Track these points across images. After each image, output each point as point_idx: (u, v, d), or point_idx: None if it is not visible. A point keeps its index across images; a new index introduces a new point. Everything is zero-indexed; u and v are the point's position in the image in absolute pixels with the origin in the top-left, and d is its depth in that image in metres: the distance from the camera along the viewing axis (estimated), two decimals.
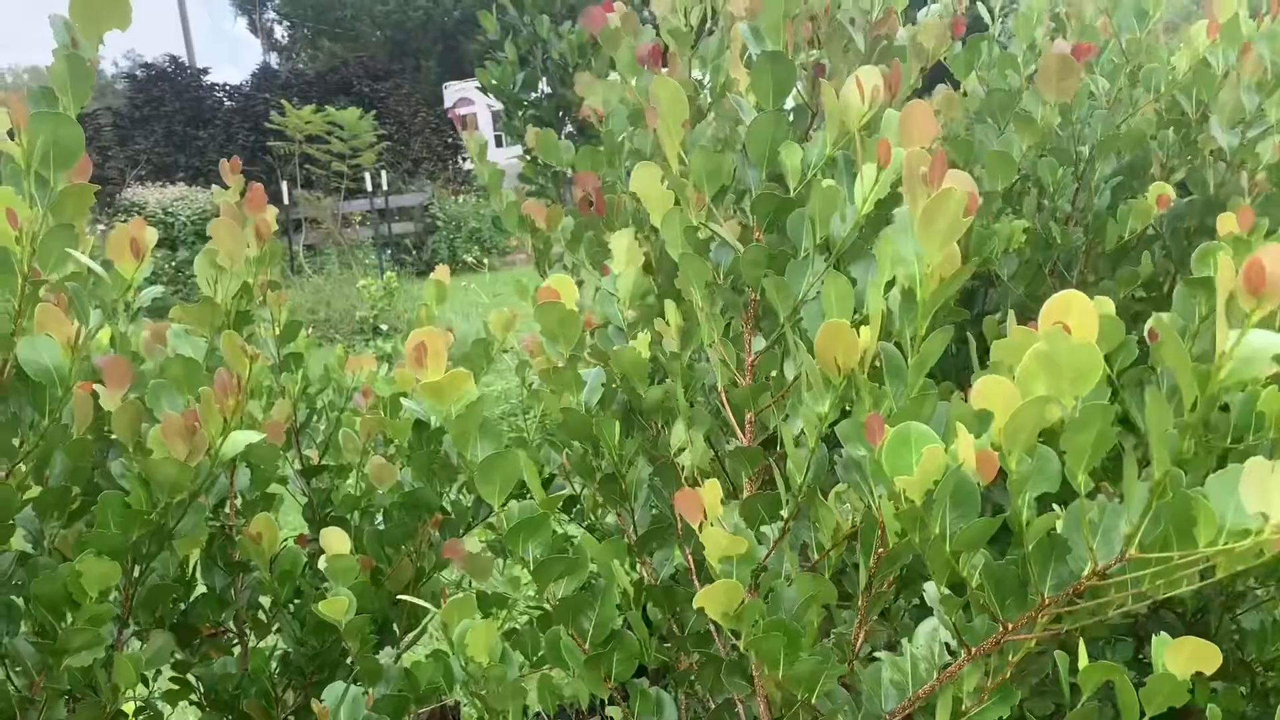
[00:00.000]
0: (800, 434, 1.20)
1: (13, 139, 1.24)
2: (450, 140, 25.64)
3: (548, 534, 1.33)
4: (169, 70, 24.16)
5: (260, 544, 2.06)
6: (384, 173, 19.21)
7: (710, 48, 1.70)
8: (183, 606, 2.11)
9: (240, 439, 1.50)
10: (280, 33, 48.14)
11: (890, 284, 1.12)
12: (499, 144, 37.03)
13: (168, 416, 1.45)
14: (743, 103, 1.31)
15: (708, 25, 1.79)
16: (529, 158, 8.21)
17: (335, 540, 1.78)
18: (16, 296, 1.30)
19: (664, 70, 1.84)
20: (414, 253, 19.70)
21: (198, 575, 2.18)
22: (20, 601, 1.57)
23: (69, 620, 1.43)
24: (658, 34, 2.04)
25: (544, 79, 7.77)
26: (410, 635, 2.39)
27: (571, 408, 1.45)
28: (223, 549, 2.16)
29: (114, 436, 1.71)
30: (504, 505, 1.32)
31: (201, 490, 1.53)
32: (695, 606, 1.07)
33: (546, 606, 2.33)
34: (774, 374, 1.41)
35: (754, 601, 1.09)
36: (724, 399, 1.36)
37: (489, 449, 1.30)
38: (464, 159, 26.22)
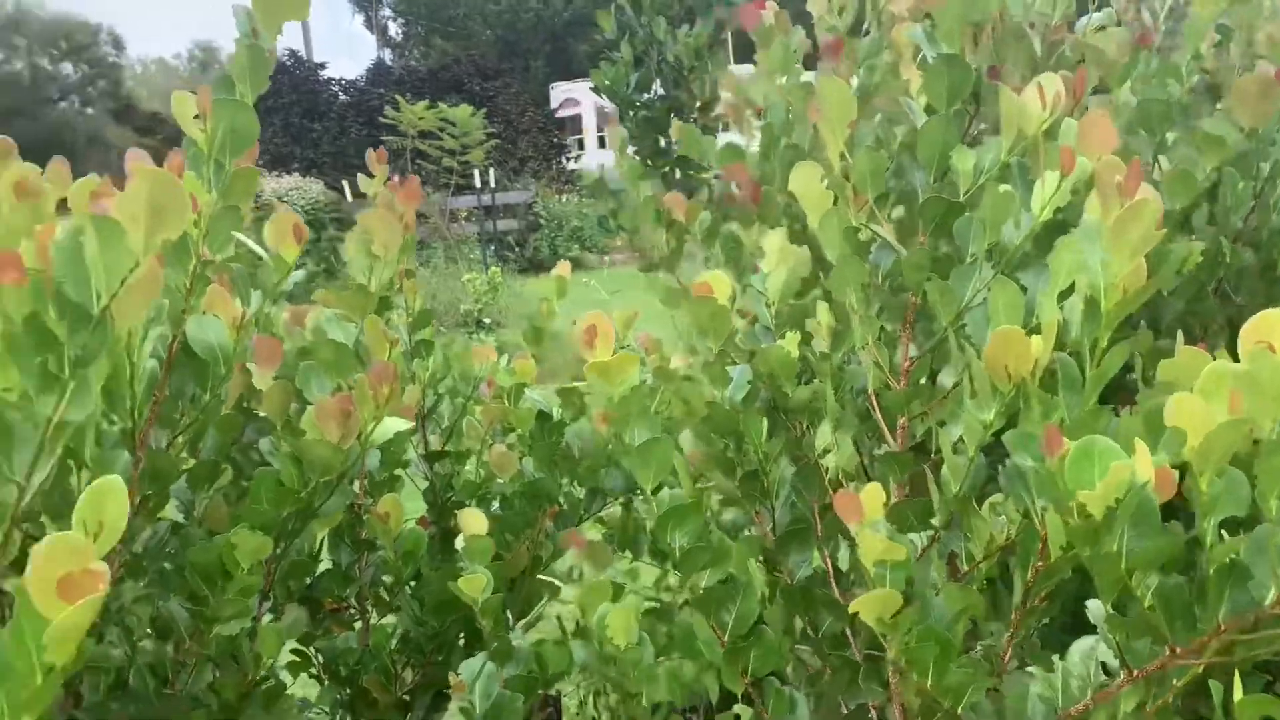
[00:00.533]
0: (959, 441, 1.18)
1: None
2: (555, 140, 25.92)
3: (697, 523, 1.33)
4: (288, 64, 24.94)
5: (387, 524, 2.11)
6: (491, 170, 19.52)
7: (864, 48, 1.69)
8: (308, 581, 2.17)
9: (390, 425, 1.54)
10: (395, 30, 49.31)
11: (1064, 294, 1.10)
12: (601, 145, 37.33)
13: (323, 399, 1.49)
14: (913, 104, 1.30)
15: (865, 25, 1.78)
16: (638, 157, 8.23)
17: (473, 521, 1.81)
18: (189, 276, 1.35)
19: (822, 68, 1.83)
20: (516, 249, 19.97)
21: (323, 552, 2.23)
22: (170, 569, 1.63)
23: (220, 590, 1.48)
24: (807, 34, 2.04)
25: (658, 80, 7.80)
26: (521, 621, 2.43)
27: (716, 402, 1.46)
28: (350, 527, 2.21)
29: (261, 414, 1.77)
30: (656, 491, 1.33)
31: (349, 472, 1.58)
32: (851, 611, 1.06)
33: (662, 599, 2.33)
34: (922, 380, 1.40)
35: (910, 610, 1.08)
36: (874, 402, 1.34)
37: (646, 434, 1.31)
38: (568, 159, 26.49)
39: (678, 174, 8.15)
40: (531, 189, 21.62)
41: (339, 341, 1.70)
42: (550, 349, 2.83)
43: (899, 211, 1.31)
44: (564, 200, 21.42)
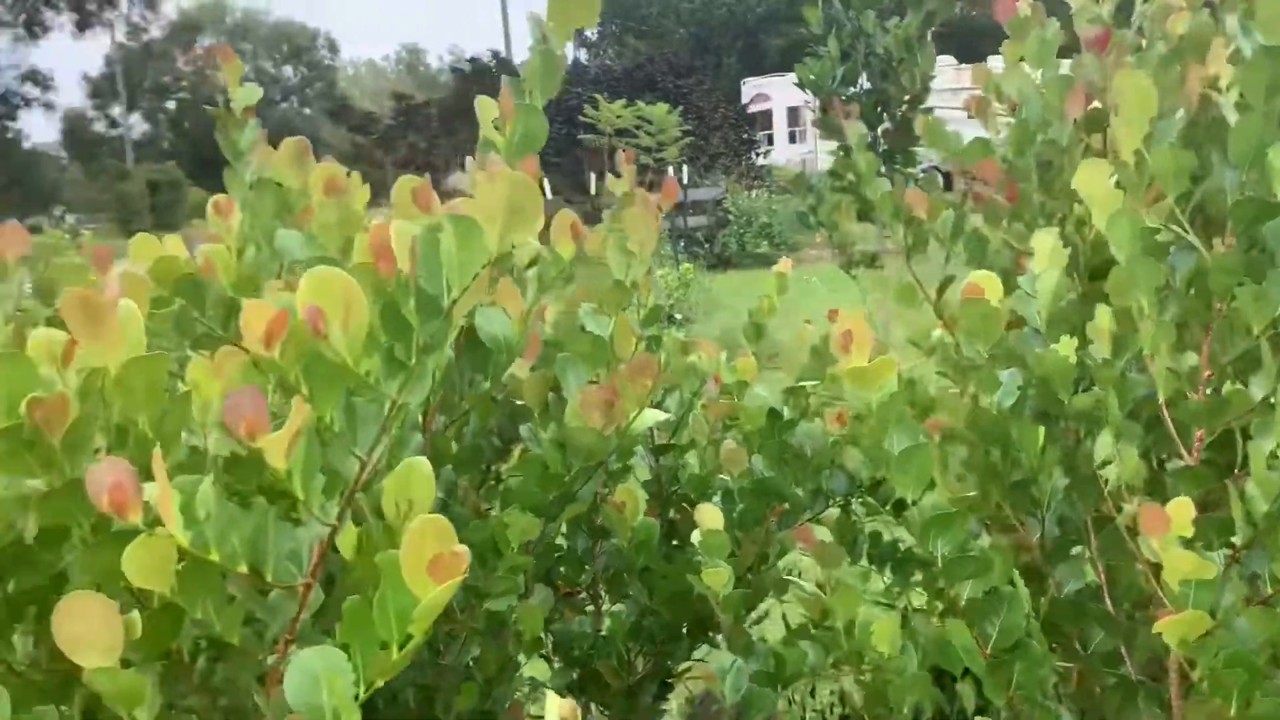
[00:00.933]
0: (1271, 456, 1.11)
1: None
2: (746, 136, 25.89)
3: (961, 532, 1.31)
4: (490, 66, 25.91)
5: (623, 514, 2.16)
6: (685, 167, 19.70)
7: (1128, 38, 1.62)
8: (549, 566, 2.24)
9: (650, 416, 1.58)
10: (590, 30, 50.39)
11: None
12: (792, 140, 37.07)
13: (589, 389, 1.55)
14: (1224, 100, 1.23)
15: (1134, 16, 1.71)
16: (841, 152, 8.10)
17: (710, 516, 1.84)
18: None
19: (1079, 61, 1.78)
20: (705, 245, 20.05)
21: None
22: None
23: (491, 567, 1.56)
24: (1062, 26, 1.97)
25: (864, 74, 7.67)
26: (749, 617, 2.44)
27: (983, 408, 1.43)
28: (587, 514, 2.28)
29: (519, 402, 1.85)
30: (918, 500, 1.32)
31: (607, 460, 1.63)
32: (1154, 631, 1.02)
33: (885, 603, 2.29)
34: (1209, 391, 1.32)
35: (1221, 632, 1.03)
36: (1165, 412, 1.28)
37: (905, 441, 1.30)
38: (758, 154, 26.41)
39: (882, 169, 8.01)
40: (721, 185, 21.67)
41: (596, 334, 1.76)
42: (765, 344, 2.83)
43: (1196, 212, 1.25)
44: (753, 196, 21.37)
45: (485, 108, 1.28)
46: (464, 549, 0.81)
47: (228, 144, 1.87)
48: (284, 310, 0.83)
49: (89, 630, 0.96)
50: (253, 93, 1.91)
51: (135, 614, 1.03)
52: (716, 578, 1.73)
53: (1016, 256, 1.90)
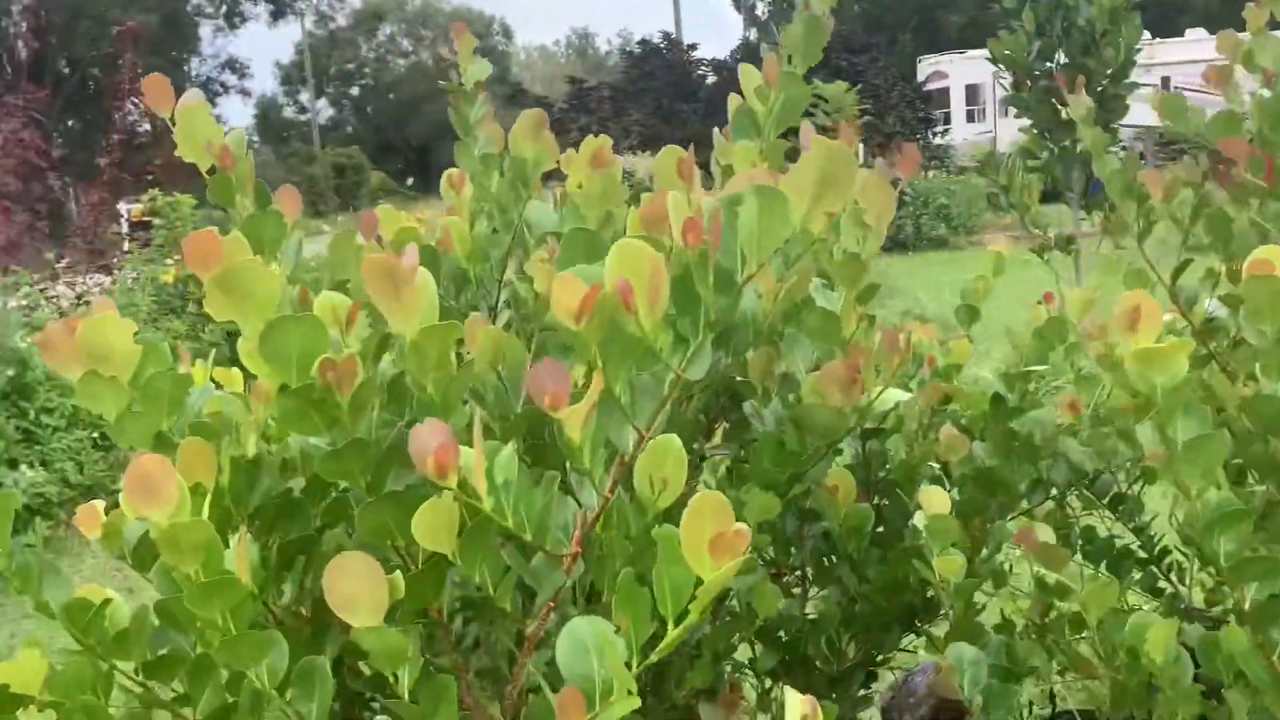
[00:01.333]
0: None
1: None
2: (922, 114, 25.17)
3: (1247, 529, 1.21)
4: (660, 46, 25.98)
5: (835, 497, 2.12)
6: (861, 146, 19.30)
7: None
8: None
9: (892, 395, 1.53)
10: (761, 9, 49.98)
11: None
12: (969, 119, 35.80)
13: (831, 364, 1.51)
14: None
15: None
16: (1034, 130, 7.77)
17: (936, 500, 1.78)
18: None
19: None
20: None
21: None
22: None
23: None
24: None
25: (1061, 49, 7.32)
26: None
27: (1266, 395, 1.32)
28: (797, 495, 2.24)
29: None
30: (1200, 494, 1.23)
31: (843, 438, 1.59)
32: None
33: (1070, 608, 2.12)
34: None
35: None
36: None
37: (1194, 429, 1.21)
38: (934, 134, 25.64)
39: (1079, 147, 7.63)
40: (896, 165, 21.13)
41: (828, 310, 1.71)
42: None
43: None
44: (930, 177, 20.73)
45: (748, 75, 1.25)
46: (745, 527, 0.79)
47: (459, 118, 1.89)
48: (597, 285, 0.82)
49: (358, 589, 0.98)
50: (484, 68, 1.94)
51: (398, 574, 1.06)
52: (950, 565, 1.68)
53: (1266, 238, 1.77)
